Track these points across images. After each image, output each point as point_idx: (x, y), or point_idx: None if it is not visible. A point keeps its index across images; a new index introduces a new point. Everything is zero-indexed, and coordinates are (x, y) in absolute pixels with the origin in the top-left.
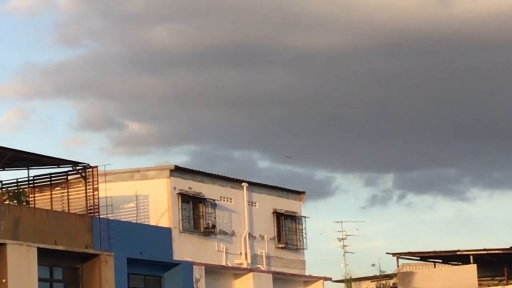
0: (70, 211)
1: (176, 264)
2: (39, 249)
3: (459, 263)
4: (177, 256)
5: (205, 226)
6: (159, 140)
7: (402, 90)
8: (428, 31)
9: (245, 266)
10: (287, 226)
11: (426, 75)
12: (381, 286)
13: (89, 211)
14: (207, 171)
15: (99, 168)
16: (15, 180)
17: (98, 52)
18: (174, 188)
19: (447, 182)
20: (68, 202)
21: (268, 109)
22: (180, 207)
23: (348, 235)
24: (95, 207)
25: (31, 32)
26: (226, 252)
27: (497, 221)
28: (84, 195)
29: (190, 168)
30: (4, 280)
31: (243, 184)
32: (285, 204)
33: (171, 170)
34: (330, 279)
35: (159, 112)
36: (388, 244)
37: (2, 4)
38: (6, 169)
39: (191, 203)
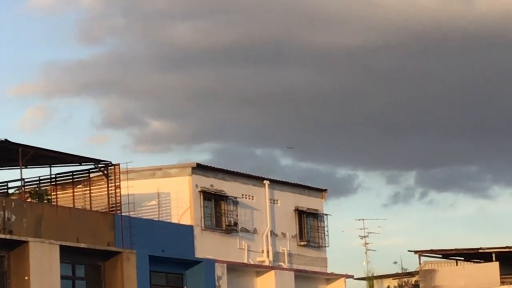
0: (92, 209)
1: (198, 261)
2: (61, 246)
3: (481, 261)
4: (199, 253)
5: (227, 223)
6: (181, 137)
7: (424, 87)
8: (450, 29)
9: (267, 263)
10: (309, 224)
11: (448, 72)
12: (403, 283)
13: (111, 209)
14: (229, 169)
15: (121, 165)
16: (37, 178)
17: (120, 49)
18: (196, 186)
19: (469, 179)
20: (90, 200)
21: (290, 107)
22: (202, 205)
23: (370, 233)
24: (117, 204)
25: (53, 30)
26: (248, 250)
27: None
28: (106, 192)
29: (212, 166)
30: (26, 278)
31: (265, 181)
32: (307, 202)
33: (193, 168)
34: (352, 276)
35: (181, 109)
36: (410, 242)
37: (24, 2)
38: (28, 167)
39: (213, 201)
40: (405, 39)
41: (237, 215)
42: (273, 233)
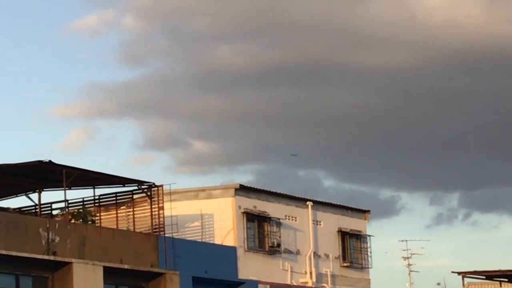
0: (136, 230)
1: (241, 283)
2: (105, 268)
3: None
4: (242, 275)
5: (270, 245)
6: (224, 159)
7: (467, 108)
8: (494, 49)
9: (310, 285)
10: (352, 245)
11: (491, 92)
12: None
13: (154, 230)
14: (272, 190)
15: (164, 187)
16: (81, 199)
17: (162, 71)
18: (239, 207)
19: None
20: (134, 221)
21: (333, 128)
22: (245, 226)
23: (413, 254)
24: (161, 226)
25: (96, 52)
26: (291, 271)
27: None
28: (149, 214)
29: (255, 187)
30: None
31: (308, 203)
32: (350, 223)
33: (236, 189)
34: None
35: (224, 131)
36: (453, 263)
37: (67, 24)
38: (72, 188)
39: (256, 222)
40: (448, 60)
41: (280, 236)
42: (316, 254)
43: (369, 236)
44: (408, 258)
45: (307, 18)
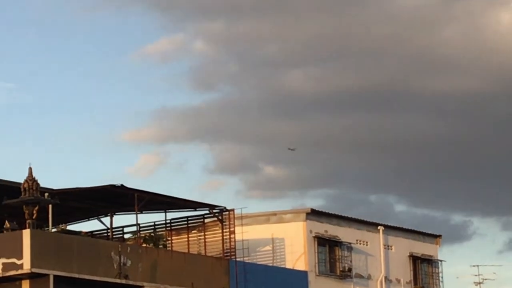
0: (207, 254)
1: None
2: None
3: None
4: None
5: (341, 269)
6: (295, 183)
7: None
8: None
9: None
10: (423, 270)
11: None
12: None
13: (225, 254)
14: (343, 215)
15: (235, 211)
16: (152, 223)
17: (233, 96)
18: (310, 231)
19: None
20: (205, 245)
21: (404, 153)
22: (316, 250)
23: (485, 279)
24: (232, 250)
25: (167, 77)
26: None
27: None
28: (220, 238)
29: (326, 212)
30: None
31: (379, 227)
32: (422, 248)
33: (307, 214)
34: None
35: (295, 155)
36: None
37: (138, 49)
38: (143, 212)
39: (327, 246)
40: None
41: (351, 261)
42: (387, 279)
43: (441, 261)
44: (480, 283)
45: (379, 43)
